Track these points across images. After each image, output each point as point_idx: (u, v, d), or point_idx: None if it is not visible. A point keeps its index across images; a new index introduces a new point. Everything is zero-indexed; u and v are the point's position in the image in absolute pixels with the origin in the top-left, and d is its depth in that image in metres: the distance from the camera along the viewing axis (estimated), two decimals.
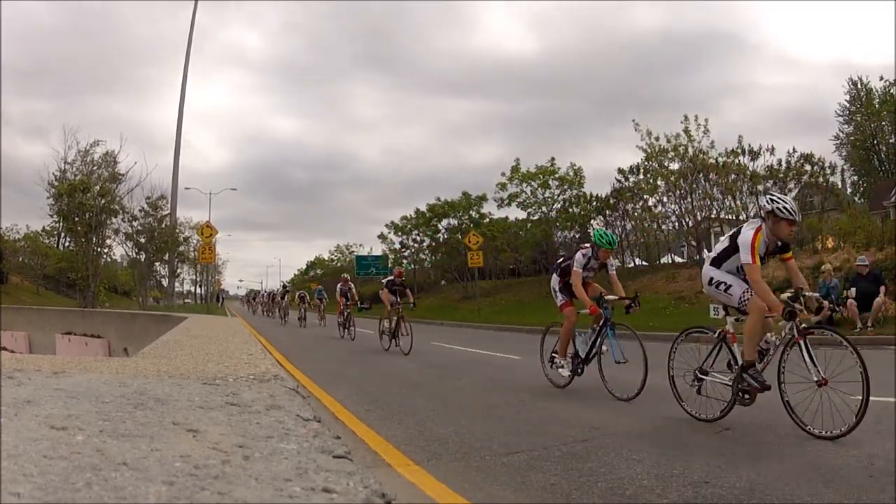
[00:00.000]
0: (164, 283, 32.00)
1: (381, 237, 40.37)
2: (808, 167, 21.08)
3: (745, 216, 21.72)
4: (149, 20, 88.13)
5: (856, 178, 39.51)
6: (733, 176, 20.60)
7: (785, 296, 4.14)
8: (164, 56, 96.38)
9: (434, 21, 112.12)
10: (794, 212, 4.19)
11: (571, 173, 27.21)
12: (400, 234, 38.67)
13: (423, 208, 36.03)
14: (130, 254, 25.88)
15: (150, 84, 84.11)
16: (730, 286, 4.35)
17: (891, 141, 37.14)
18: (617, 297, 5.91)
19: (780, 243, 4.31)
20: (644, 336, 5.95)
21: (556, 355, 6.24)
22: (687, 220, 20.92)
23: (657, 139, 21.19)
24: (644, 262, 27.42)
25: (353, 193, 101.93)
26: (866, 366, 3.65)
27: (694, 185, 20.35)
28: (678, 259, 26.66)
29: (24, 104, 65.73)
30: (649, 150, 21.26)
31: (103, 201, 22.31)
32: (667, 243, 27.02)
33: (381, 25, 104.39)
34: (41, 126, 69.61)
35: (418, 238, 37.75)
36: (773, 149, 21.03)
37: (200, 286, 59.22)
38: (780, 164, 20.93)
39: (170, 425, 1.51)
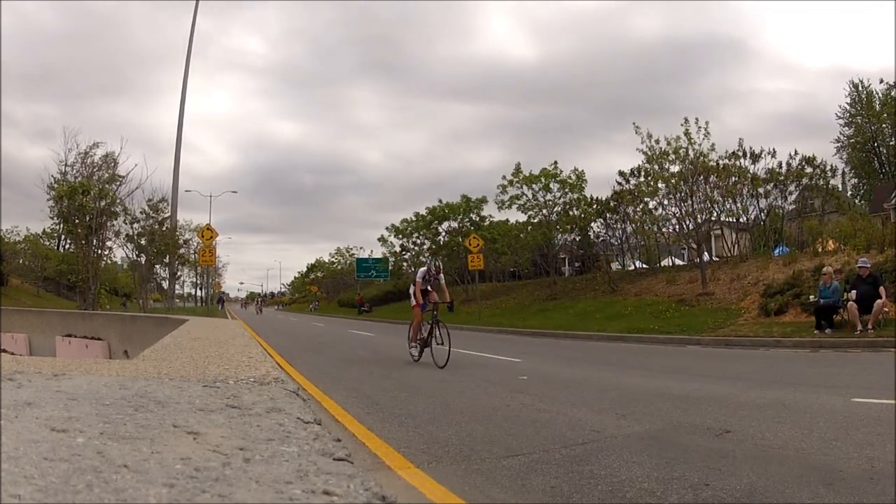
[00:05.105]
0: (165, 285, 31.98)
1: (382, 240, 40.50)
2: (808, 169, 21.06)
3: (745, 219, 21.77)
4: (153, 25, 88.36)
5: (856, 180, 39.61)
6: (734, 178, 20.57)
7: None
8: (168, 60, 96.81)
9: (437, 27, 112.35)
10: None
11: (574, 177, 27.18)
12: (400, 236, 38.77)
13: (424, 212, 36.15)
14: (131, 256, 25.82)
15: (154, 87, 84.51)
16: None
17: (891, 143, 37.23)
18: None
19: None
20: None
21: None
22: (687, 222, 20.86)
23: (657, 142, 21.17)
24: (644, 265, 27.44)
25: (355, 197, 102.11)
26: None
27: (694, 188, 20.29)
28: (678, 262, 26.68)
29: (30, 108, 65.88)
30: (650, 153, 21.21)
31: (103, 203, 22.24)
32: (667, 246, 27.01)
33: (384, 31, 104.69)
34: (47, 129, 69.89)
35: (419, 241, 37.84)
36: (774, 151, 21.05)
37: (201, 289, 59.24)
38: (780, 166, 20.94)
39: (170, 427, 1.51)
